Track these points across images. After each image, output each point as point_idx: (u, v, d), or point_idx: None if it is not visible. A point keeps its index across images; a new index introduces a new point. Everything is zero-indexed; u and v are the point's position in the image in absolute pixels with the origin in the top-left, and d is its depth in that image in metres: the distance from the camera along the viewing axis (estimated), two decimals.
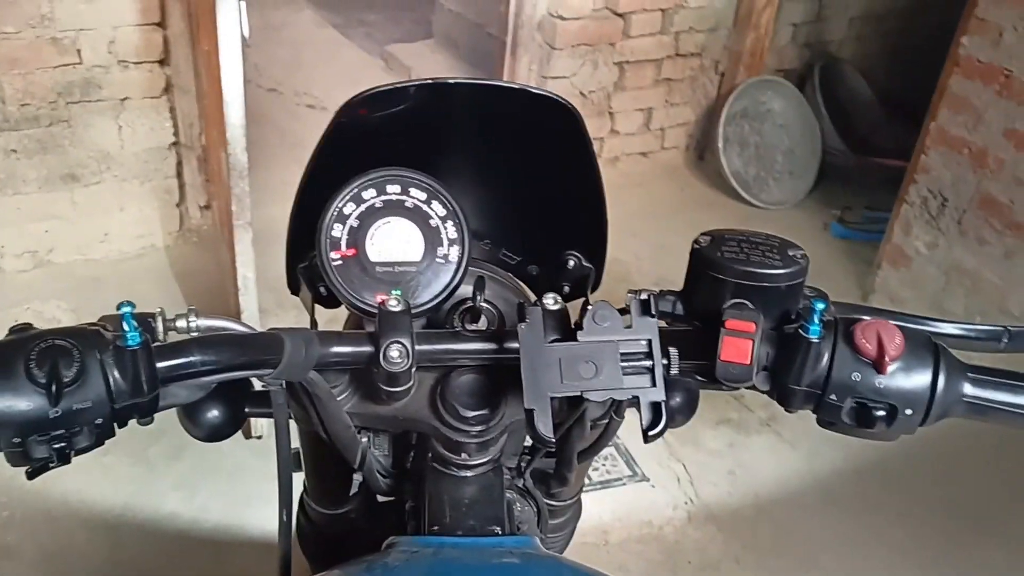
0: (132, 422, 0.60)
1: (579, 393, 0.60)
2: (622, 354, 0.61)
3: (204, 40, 2.16)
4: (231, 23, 1.80)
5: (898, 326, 0.60)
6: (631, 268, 3.08)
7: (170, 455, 2.13)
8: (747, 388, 0.63)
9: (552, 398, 0.60)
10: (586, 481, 2.17)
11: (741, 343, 0.60)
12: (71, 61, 2.51)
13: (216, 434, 0.78)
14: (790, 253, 0.65)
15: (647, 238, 3.23)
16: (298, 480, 0.91)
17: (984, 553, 2.12)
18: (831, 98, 3.83)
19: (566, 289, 0.86)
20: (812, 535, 2.14)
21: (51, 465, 0.56)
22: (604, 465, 2.25)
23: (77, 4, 2.44)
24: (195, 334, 0.67)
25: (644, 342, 0.61)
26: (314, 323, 0.83)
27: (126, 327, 0.56)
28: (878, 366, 0.60)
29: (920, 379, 0.60)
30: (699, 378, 0.65)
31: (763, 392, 0.64)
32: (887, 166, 3.60)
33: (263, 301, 2.10)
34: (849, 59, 4.01)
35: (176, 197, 2.89)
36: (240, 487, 2.07)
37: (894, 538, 2.14)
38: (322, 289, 0.78)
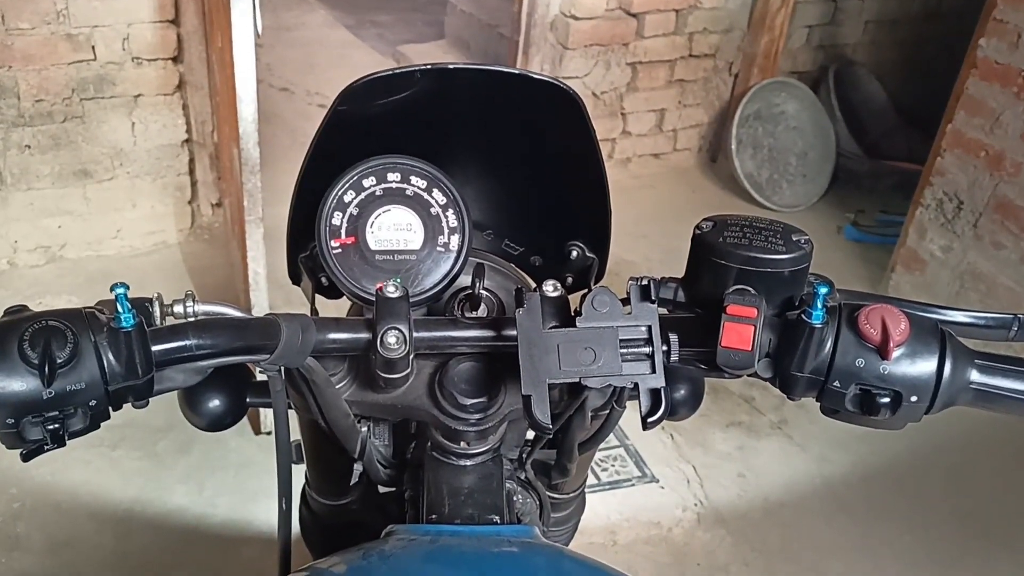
0: (127, 406, 0.59)
1: (577, 379, 0.60)
2: (621, 340, 0.60)
3: (218, 37, 2.17)
4: (245, 20, 1.81)
5: (903, 312, 0.59)
6: (641, 270, 3.07)
7: (178, 449, 2.13)
8: (749, 375, 0.62)
9: (550, 384, 0.60)
10: (595, 481, 2.17)
11: (742, 329, 0.59)
12: (85, 57, 2.52)
13: (217, 423, 0.77)
14: (794, 238, 0.64)
15: (658, 240, 3.22)
16: (300, 471, 0.91)
17: (994, 563, 2.09)
18: (845, 101, 3.81)
19: (569, 280, 0.85)
20: (821, 540, 2.12)
21: (46, 447, 0.56)
22: (613, 465, 2.24)
23: (92, 1, 2.46)
24: (192, 319, 0.67)
25: (644, 328, 0.61)
26: (315, 313, 0.83)
27: (120, 309, 0.55)
28: (882, 352, 0.59)
29: (925, 365, 0.59)
30: (700, 365, 0.64)
31: (765, 379, 0.63)
32: (901, 169, 3.58)
33: (273, 297, 2.11)
34: (864, 62, 3.99)
35: (188, 194, 2.90)
36: (247, 482, 2.07)
37: (903, 545, 2.11)
38: (323, 279, 0.78)
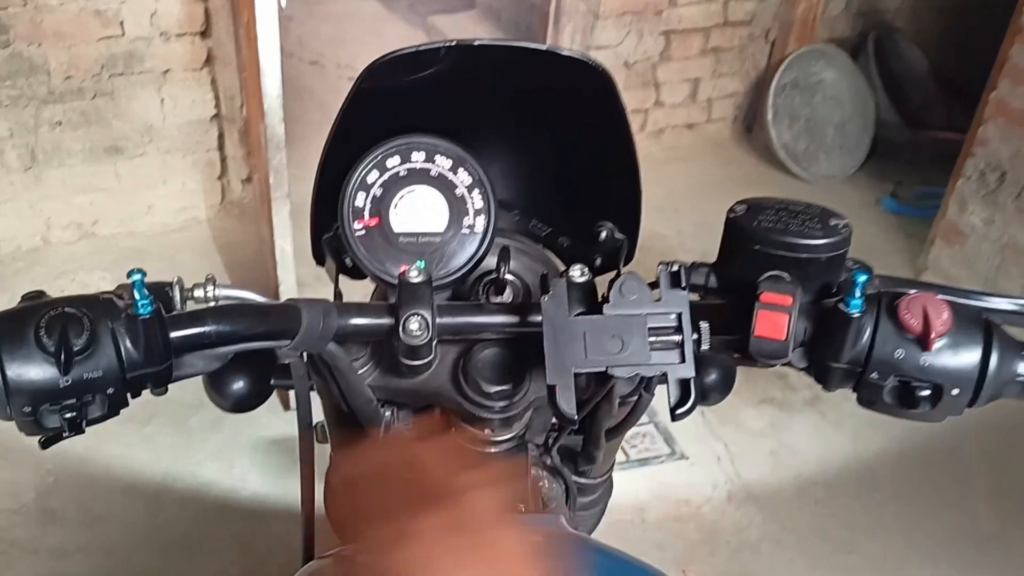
0: (146, 392, 0.59)
1: (604, 368, 0.58)
2: (650, 328, 0.58)
3: (244, 11, 2.15)
4: None
5: (946, 300, 0.57)
6: (674, 244, 3.03)
7: (209, 425, 2.15)
8: (783, 365, 0.60)
9: (576, 374, 0.58)
10: (623, 458, 2.15)
11: (777, 317, 0.57)
12: (114, 33, 2.52)
13: (241, 405, 0.77)
14: (831, 223, 0.61)
15: (691, 214, 3.18)
16: (326, 452, 0.90)
17: None
18: (885, 69, 3.71)
19: (598, 261, 0.83)
20: (855, 518, 2.09)
21: (64, 435, 0.56)
22: (642, 442, 2.22)
23: None
24: (212, 304, 0.66)
25: (673, 316, 0.58)
26: (338, 294, 0.81)
27: (137, 296, 0.54)
28: (923, 343, 0.56)
29: (968, 357, 0.57)
30: (732, 354, 0.62)
31: (800, 369, 0.61)
32: (942, 140, 3.48)
33: (301, 274, 2.11)
34: (904, 29, 3.88)
35: (218, 170, 2.91)
36: (277, 457, 2.09)
37: (937, 525, 2.08)
38: (347, 260, 0.77)
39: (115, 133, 2.68)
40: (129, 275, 0.55)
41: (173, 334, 0.57)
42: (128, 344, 0.55)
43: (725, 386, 0.80)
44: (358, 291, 0.77)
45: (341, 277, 0.80)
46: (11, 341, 0.53)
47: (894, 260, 3.04)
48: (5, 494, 1.96)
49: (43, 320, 0.53)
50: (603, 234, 0.81)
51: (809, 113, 3.64)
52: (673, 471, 2.17)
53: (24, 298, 0.57)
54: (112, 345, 0.54)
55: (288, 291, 2.20)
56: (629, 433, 2.24)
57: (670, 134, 3.69)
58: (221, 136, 2.85)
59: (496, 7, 4.39)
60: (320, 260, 0.83)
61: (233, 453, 2.10)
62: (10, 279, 2.58)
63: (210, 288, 0.66)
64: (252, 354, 0.75)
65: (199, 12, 2.59)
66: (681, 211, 3.18)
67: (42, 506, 1.95)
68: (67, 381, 0.53)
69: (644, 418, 2.27)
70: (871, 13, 3.81)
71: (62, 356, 0.52)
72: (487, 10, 4.48)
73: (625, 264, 0.83)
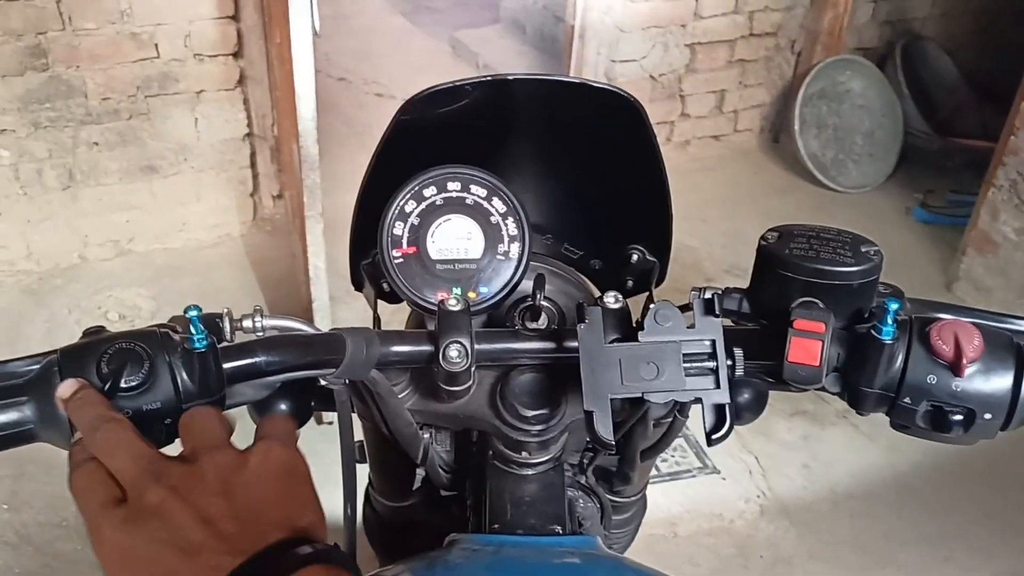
0: None
1: (640, 394, 0.59)
2: (685, 355, 0.59)
3: (276, 32, 2.19)
4: (302, 16, 1.83)
5: (977, 325, 0.57)
6: (701, 255, 3.03)
7: (243, 439, 2.18)
8: (816, 390, 0.61)
9: (612, 399, 0.59)
10: (655, 472, 2.15)
11: (810, 344, 0.58)
12: (149, 55, 2.58)
13: None
14: (863, 249, 0.62)
15: (719, 224, 3.17)
16: (363, 472, 0.92)
17: None
18: (914, 77, 3.69)
19: (630, 283, 0.84)
20: (890, 531, 2.08)
21: None
22: (674, 456, 2.22)
23: None
24: (260, 334, 0.68)
25: (708, 342, 0.59)
26: (377, 319, 0.83)
27: (193, 331, 0.56)
28: (955, 368, 0.57)
29: (1001, 382, 0.57)
30: (766, 379, 0.63)
31: (833, 394, 0.61)
32: (973, 148, 3.45)
33: (333, 290, 2.14)
34: (933, 37, 3.85)
35: (250, 187, 2.95)
36: (312, 470, 2.11)
37: (976, 538, 2.06)
38: (385, 286, 0.78)
39: (150, 152, 2.73)
40: (186, 311, 0.57)
41: (226, 365, 0.59)
42: (184, 376, 0.57)
43: (758, 406, 0.81)
44: (396, 314, 0.79)
45: (379, 302, 0.82)
46: (75, 376, 0.55)
47: (927, 270, 3.01)
48: (48, 508, 2.00)
49: (104, 356, 0.55)
50: (634, 257, 0.83)
51: (837, 122, 3.62)
52: (705, 485, 2.17)
53: (85, 333, 0.59)
54: (169, 378, 0.56)
55: (321, 307, 2.23)
56: None
57: (696, 145, 3.69)
58: (253, 154, 2.90)
59: (521, 20, 4.41)
60: (359, 286, 0.85)
61: None
62: (48, 296, 2.63)
63: (258, 319, 0.68)
64: (296, 380, 0.78)
65: (232, 33, 2.64)
66: (709, 221, 3.18)
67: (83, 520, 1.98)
68: (128, 413, 0.55)
69: None
70: (899, 21, 3.79)
71: (122, 389, 0.54)
72: (512, 24, 4.51)
73: (656, 286, 0.84)
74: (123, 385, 0.55)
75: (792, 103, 3.54)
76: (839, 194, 3.51)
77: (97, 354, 0.55)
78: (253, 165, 2.92)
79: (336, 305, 2.33)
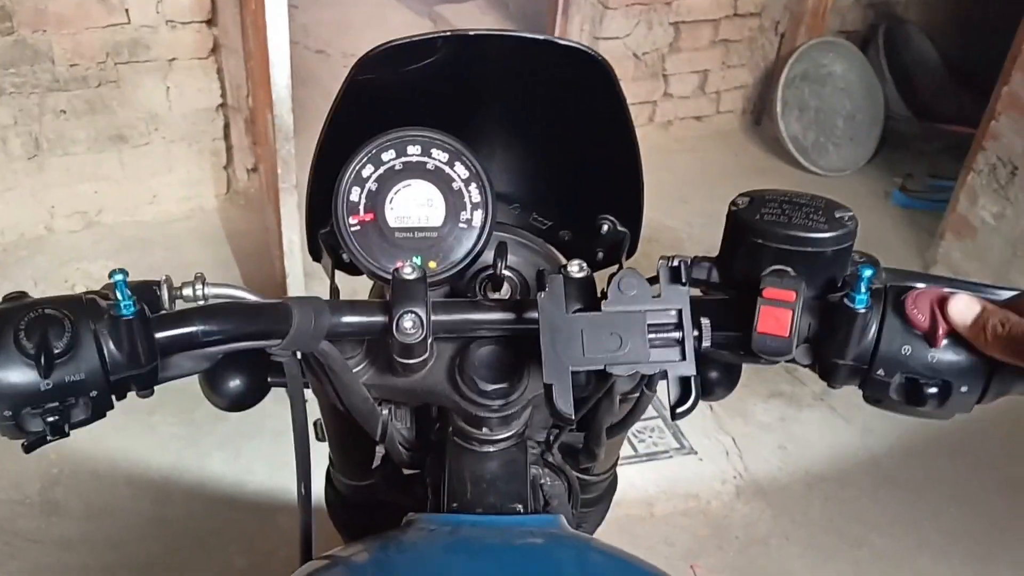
0: (131, 394, 0.57)
1: (602, 366, 0.56)
2: (650, 325, 0.57)
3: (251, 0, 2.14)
4: None
5: (953, 295, 0.55)
6: (682, 236, 3.01)
7: (215, 416, 2.14)
8: (786, 362, 0.58)
9: (574, 372, 0.56)
10: (632, 452, 2.14)
11: (780, 313, 0.55)
12: (119, 21, 2.51)
13: (238, 404, 0.75)
14: (837, 215, 0.59)
15: (699, 205, 3.15)
16: (324, 449, 0.89)
17: None
18: (895, 61, 3.67)
19: (600, 255, 0.81)
20: (864, 513, 2.08)
21: (48, 438, 0.54)
22: (651, 437, 2.21)
23: None
24: (201, 303, 0.64)
25: (674, 312, 0.57)
26: (335, 291, 0.80)
27: (120, 296, 0.53)
28: (930, 339, 0.55)
29: (977, 353, 0.55)
30: (735, 351, 0.60)
31: (804, 366, 0.59)
32: (953, 133, 3.45)
33: (308, 264, 2.10)
34: (915, 21, 3.83)
35: (223, 159, 2.90)
36: (283, 449, 2.07)
37: (949, 520, 2.06)
38: (344, 256, 0.75)
39: (120, 121, 2.67)
40: (111, 275, 0.53)
41: (158, 335, 0.55)
42: (111, 346, 0.54)
43: (730, 381, 0.78)
44: (359, 287, 0.76)
45: (338, 273, 0.79)
46: None
47: (904, 253, 3.01)
48: (9, 485, 1.96)
49: (23, 322, 0.52)
50: (605, 227, 0.80)
51: (818, 105, 3.60)
52: (681, 465, 2.15)
53: (5, 299, 0.55)
54: (94, 347, 0.53)
55: (295, 281, 2.19)
56: (637, 427, 2.22)
57: (679, 125, 3.67)
58: (227, 125, 2.84)
59: None
60: (316, 256, 0.81)
61: (239, 444, 2.09)
62: (13, 268, 2.57)
63: (199, 287, 0.65)
64: (247, 352, 0.74)
65: (206, 0, 2.57)
66: (689, 202, 3.16)
67: (47, 497, 1.94)
68: (48, 385, 0.52)
69: (652, 412, 2.26)
70: (881, 4, 3.77)
71: (42, 359, 0.51)
72: None
73: (628, 258, 0.81)
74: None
75: (775, 85, 3.51)
76: (819, 177, 3.49)
77: (15, 321, 0.52)
78: (227, 137, 2.86)
79: (311, 280, 2.29)
